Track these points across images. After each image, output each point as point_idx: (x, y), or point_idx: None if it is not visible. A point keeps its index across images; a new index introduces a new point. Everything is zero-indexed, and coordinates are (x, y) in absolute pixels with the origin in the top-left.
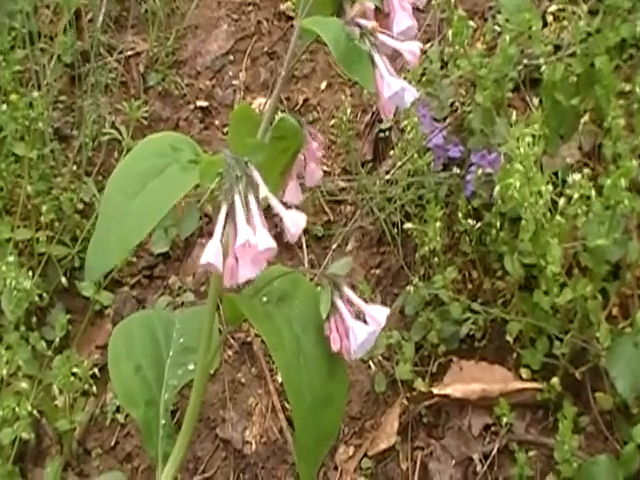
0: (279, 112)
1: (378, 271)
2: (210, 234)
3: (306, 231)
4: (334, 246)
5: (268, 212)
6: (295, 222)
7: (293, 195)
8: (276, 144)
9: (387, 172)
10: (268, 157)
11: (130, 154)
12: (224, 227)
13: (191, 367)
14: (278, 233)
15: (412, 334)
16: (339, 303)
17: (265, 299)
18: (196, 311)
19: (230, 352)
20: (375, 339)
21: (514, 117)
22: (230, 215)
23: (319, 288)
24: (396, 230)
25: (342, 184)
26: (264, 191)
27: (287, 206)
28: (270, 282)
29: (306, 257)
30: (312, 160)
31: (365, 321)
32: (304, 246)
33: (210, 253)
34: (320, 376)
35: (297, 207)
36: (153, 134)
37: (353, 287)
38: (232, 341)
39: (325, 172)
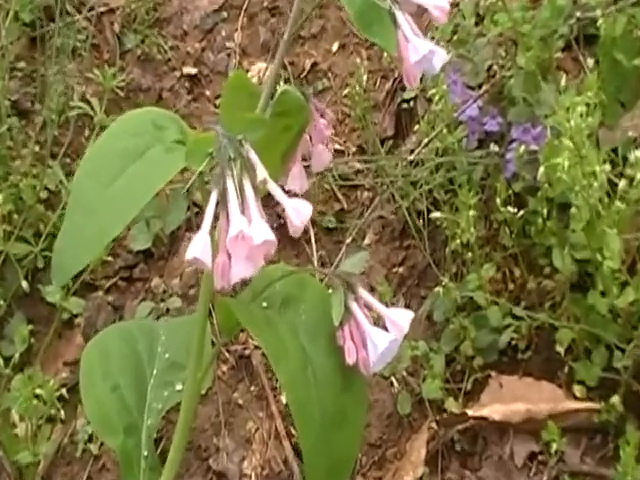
0: (282, 81)
1: (401, 269)
2: (200, 227)
3: (314, 223)
4: (348, 240)
5: (269, 201)
6: (299, 212)
7: (298, 181)
8: (277, 121)
9: (411, 151)
10: (268, 136)
11: (105, 133)
12: (214, 217)
13: (179, 387)
14: (282, 225)
15: (442, 344)
16: (354, 307)
17: (265, 304)
18: (184, 320)
19: (225, 368)
20: (397, 349)
21: (564, 82)
22: (221, 203)
23: (330, 290)
24: (422, 220)
25: (358, 166)
26: (262, 175)
27: (290, 194)
28: (272, 284)
29: (315, 253)
30: (320, 140)
31: (385, 328)
32: (312, 240)
33: (197, 247)
34: (332, 393)
35: (303, 195)
36: (132, 109)
37: (371, 289)
38: (227, 355)
39: (337, 152)
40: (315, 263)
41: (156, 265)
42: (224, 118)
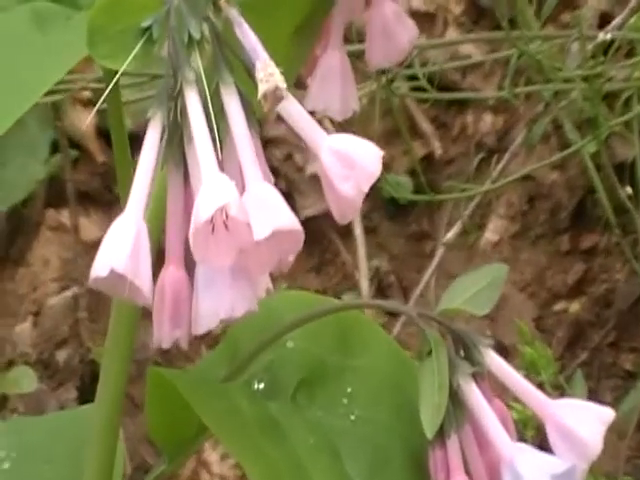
0: None
1: (573, 305)
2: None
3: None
4: (448, 236)
5: None
6: (352, 165)
7: (334, 91)
8: None
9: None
10: None
11: None
12: (153, 178)
13: None
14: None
15: None
16: (473, 395)
17: (262, 385)
18: (62, 418)
19: None
20: None
21: None
22: (170, 147)
23: (415, 354)
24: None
25: (471, 51)
26: (275, 82)
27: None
28: (278, 337)
29: (364, 263)
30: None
31: (543, 445)
32: (358, 233)
33: (116, 249)
34: None
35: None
36: None
37: (502, 350)
38: None
39: (425, 18)
40: (365, 287)
41: None
42: None
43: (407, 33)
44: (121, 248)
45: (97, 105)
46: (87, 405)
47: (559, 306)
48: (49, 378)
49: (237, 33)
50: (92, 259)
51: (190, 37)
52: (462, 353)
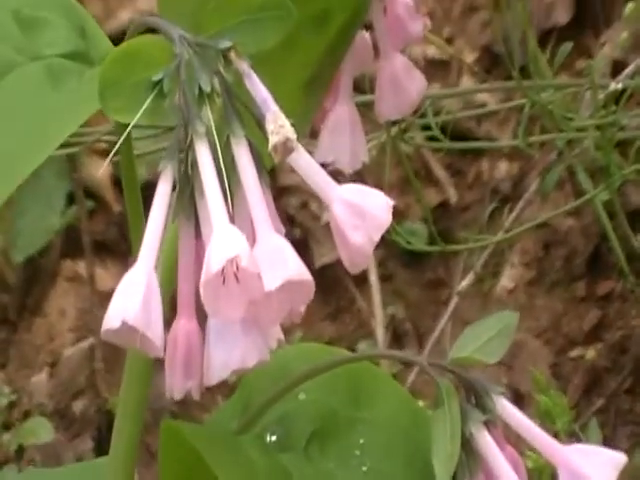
0: None
1: (590, 352)
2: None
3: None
4: (462, 284)
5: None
6: (361, 215)
7: (344, 143)
8: (301, 4)
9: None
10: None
11: None
12: (165, 229)
13: None
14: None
15: None
16: (486, 444)
17: (275, 438)
18: (78, 469)
19: None
20: None
21: None
22: (182, 200)
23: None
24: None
25: (485, 99)
26: (286, 134)
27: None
28: (290, 388)
29: (380, 310)
30: (397, 42)
31: None
32: (373, 280)
33: (128, 301)
34: None
35: (356, 176)
36: None
37: (516, 397)
38: None
39: (437, 66)
40: (381, 335)
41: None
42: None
43: (416, 85)
44: (132, 300)
45: (109, 157)
46: (104, 457)
47: (575, 352)
48: (65, 429)
49: (247, 85)
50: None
51: (201, 90)
52: (474, 401)
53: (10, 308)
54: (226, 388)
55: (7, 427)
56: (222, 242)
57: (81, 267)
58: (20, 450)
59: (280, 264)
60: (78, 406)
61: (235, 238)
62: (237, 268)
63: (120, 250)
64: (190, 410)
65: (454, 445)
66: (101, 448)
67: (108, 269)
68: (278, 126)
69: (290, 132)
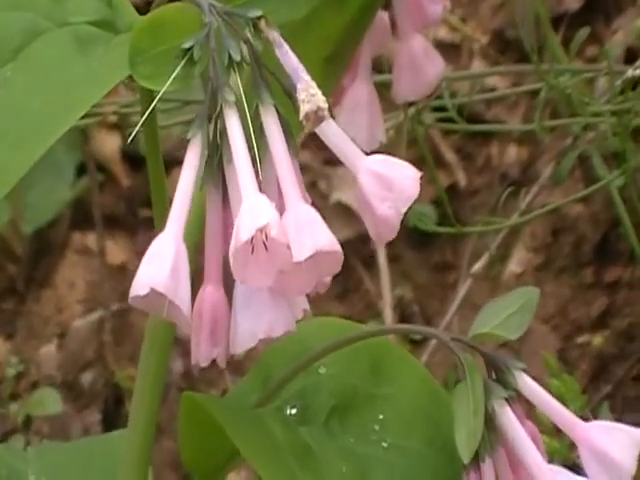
0: None
1: (600, 336)
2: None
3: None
4: (476, 266)
5: None
6: (390, 186)
7: (362, 120)
8: None
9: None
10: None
11: None
12: (191, 198)
13: None
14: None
15: None
16: (507, 420)
17: (295, 411)
18: (91, 443)
19: None
20: None
21: None
22: (210, 169)
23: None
24: None
25: (496, 82)
26: (316, 104)
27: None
28: (310, 363)
29: (388, 291)
30: (416, 24)
31: (574, 468)
32: (382, 261)
33: (156, 268)
34: None
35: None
36: None
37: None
38: None
39: (452, 49)
40: (389, 316)
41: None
42: None
43: (435, 68)
44: (161, 267)
45: (137, 126)
46: (116, 431)
47: (582, 339)
48: (73, 401)
49: (278, 54)
50: (117, 282)
51: (230, 58)
52: (494, 377)
53: (18, 279)
54: (234, 364)
55: (15, 397)
56: (252, 211)
57: (90, 239)
58: (27, 421)
59: (309, 234)
60: (86, 378)
61: (265, 207)
62: (266, 237)
63: (129, 224)
64: (197, 386)
65: (477, 421)
66: (108, 420)
67: (117, 242)
68: (310, 95)
69: (321, 101)
